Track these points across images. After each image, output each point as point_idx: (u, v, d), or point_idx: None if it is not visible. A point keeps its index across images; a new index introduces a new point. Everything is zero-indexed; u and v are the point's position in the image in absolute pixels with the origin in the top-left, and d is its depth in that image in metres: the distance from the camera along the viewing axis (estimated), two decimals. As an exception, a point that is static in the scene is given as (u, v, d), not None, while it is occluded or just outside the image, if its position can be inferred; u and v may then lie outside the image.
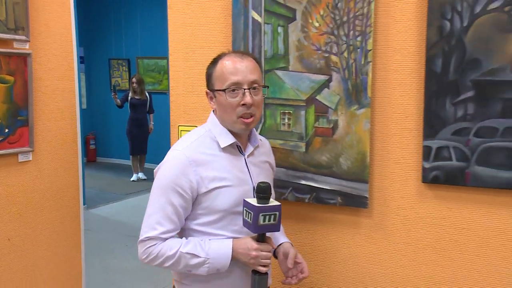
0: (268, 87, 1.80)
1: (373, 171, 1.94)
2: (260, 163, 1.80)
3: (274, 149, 1.99)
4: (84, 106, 8.45)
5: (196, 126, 2.10)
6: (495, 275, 1.81)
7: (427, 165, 1.84)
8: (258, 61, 1.71)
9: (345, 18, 1.88)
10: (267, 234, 1.64)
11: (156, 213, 1.62)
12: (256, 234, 1.62)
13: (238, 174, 1.68)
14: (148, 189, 7.56)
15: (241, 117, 1.63)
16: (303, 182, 2.01)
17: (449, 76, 1.79)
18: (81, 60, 8.33)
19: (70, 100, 2.96)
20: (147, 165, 8.15)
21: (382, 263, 1.96)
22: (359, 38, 1.87)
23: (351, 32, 1.88)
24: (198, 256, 1.60)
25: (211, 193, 1.63)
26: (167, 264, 1.61)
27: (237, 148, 1.71)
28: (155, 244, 1.60)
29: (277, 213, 1.60)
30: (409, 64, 1.86)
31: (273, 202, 1.61)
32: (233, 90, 1.62)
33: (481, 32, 1.74)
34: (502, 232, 1.78)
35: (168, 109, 2.30)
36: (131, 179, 8.14)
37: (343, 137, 1.93)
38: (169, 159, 1.66)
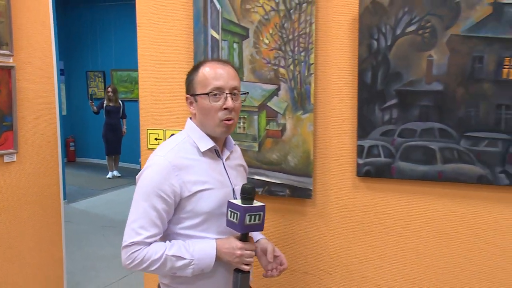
0: (247, 93, 1.83)
1: (316, 167, 2.10)
2: (236, 166, 1.79)
3: None
4: (64, 113, 8.92)
5: (163, 130, 2.26)
6: (415, 252, 2.02)
7: (360, 161, 2.03)
8: (236, 70, 1.70)
9: (290, 37, 2.05)
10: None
11: (140, 218, 1.55)
12: (239, 234, 1.60)
13: (218, 177, 1.65)
14: (121, 185, 7.90)
15: (223, 120, 1.60)
16: (256, 177, 2.14)
17: (377, 87, 1.97)
18: (61, 72, 8.87)
19: (50, 107, 3.11)
20: (121, 164, 8.65)
21: (325, 245, 2.13)
22: (303, 53, 2.04)
23: (296, 48, 2.05)
24: (183, 258, 1.55)
25: (194, 197, 1.59)
26: (152, 268, 1.55)
27: (215, 152, 1.68)
28: (139, 249, 1.53)
29: (262, 213, 1.58)
30: (345, 76, 2.03)
31: (257, 203, 1.59)
32: (215, 95, 1.58)
33: (401, 50, 1.93)
34: (421, 216, 1.99)
35: (139, 115, 2.37)
36: (107, 176, 8.60)
37: (290, 138, 2.08)
38: (151, 165, 1.59)
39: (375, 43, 1.95)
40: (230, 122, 1.61)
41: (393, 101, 1.96)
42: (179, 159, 1.58)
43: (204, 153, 1.63)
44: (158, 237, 1.57)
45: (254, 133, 2.13)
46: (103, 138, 8.29)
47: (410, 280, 2.03)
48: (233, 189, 1.68)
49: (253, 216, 1.54)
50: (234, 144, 1.79)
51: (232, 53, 2.14)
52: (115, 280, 4.18)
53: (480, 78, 1.83)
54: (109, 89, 8.03)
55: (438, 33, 1.87)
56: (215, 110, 1.58)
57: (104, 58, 9.29)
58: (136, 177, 1.63)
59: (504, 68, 1.79)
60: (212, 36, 2.16)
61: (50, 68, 3.09)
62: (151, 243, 1.54)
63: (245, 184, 1.58)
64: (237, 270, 1.59)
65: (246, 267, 1.58)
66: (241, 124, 2.15)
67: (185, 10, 2.22)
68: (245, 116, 2.14)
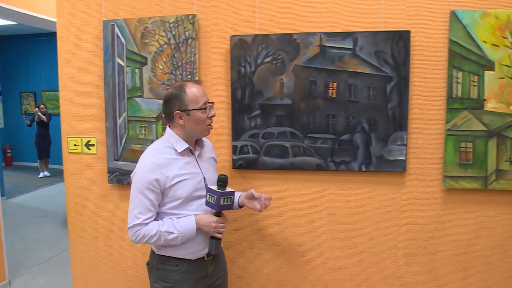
0: (213, 103, 2.02)
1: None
2: (207, 159, 2.06)
3: (135, 151, 2.48)
4: (2, 126, 10.36)
5: (80, 137, 2.59)
6: (275, 221, 2.50)
7: (235, 157, 2.45)
8: None
9: (179, 64, 2.43)
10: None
11: (137, 206, 1.86)
12: (215, 211, 1.92)
13: (192, 170, 1.93)
14: (51, 183, 8.60)
15: (208, 125, 1.93)
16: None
17: (245, 101, 2.40)
18: (0, 93, 10.18)
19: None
20: (50, 166, 9.48)
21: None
22: (189, 76, 2.42)
23: (184, 73, 2.43)
24: (172, 233, 1.87)
25: (174, 186, 1.87)
26: (151, 241, 1.87)
27: (189, 151, 1.95)
28: (140, 228, 1.85)
29: (232, 196, 1.90)
30: (222, 93, 2.45)
31: (229, 189, 1.90)
32: (205, 108, 1.89)
33: (262, 75, 2.38)
34: (280, 195, 2.48)
35: (63, 126, 2.68)
36: (39, 176, 9.34)
37: (183, 141, 2.50)
38: (141, 166, 1.87)
39: (243, 69, 2.39)
40: (211, 127, 1.97)
41: (257, 112, 2.41)
42: (161, 160, 1.87)
43: (181, 153, 1.91)
44: (153, 218, 1.89)
45: (153, 138, 2.48)
46: (35, 145, 9.12)
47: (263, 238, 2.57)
48: (204, 178, 1.97)
49: (226, 199, 1.88)
50: (205, 141, 2.07)
51: (135, 77, 2.47)
52: (49, 258, 4.57)
53: (315, 96, 2.36)
54: (42, 105, 8.93)
55: (286, 63, 2.36)
56: (205, 119, 1.91)
57: (35, 81, 10.44)
58: (131, 175, 1.95)
59: (329, 89, 2.34)
60: (118, 63, 2.48)
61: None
62: (148, 223, 1.87)
63: (221, 174, 1.90)
64: (212, 237, 1.95)
65: (219, 235, 1.94)
66: (143, 131, 2.49)
67: (96, 43, 2.54)
68: (146, 125, 2.49)
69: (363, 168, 2.38)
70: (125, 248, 2.71)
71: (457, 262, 2.44)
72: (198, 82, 1.95)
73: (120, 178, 2.58)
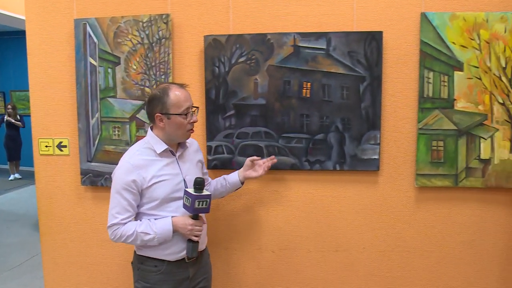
0: (198, 107, 2.05)
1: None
2: (189, 160, 2.05)
3: (109, 152, 2.47)
4: None
5: (52, 138, 2.56)
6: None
7: (210, 158, 2.46)
8: None
9: (153, 64, 2.42)
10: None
11: (115, 206, 1.89)
12: (192, 214, 1.93)
13: (171, 171, 1.94)
14: (22, 185, 8.43)
15: (188, 130, 1.94)
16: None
17: (219, 101, 2.41)
18: None
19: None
20: (21, 168, 9.33)
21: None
22: (163, 76, 2.42)
23: (158, 73, 2.42)
24: (149, 234, 1.88)
25: (151, 187, 1.89)
26: (129, 240, 1.89)
27: (170, 152, 1.96)
28: (118, 228, 1.88)
29: (208, 200, 1.89)
30: (196, 93, 2.44)
31: (205, 192, 1.90)
32: (186, 114, 1.90)
33: (236, 75, 2.39)
34: (254, 193, 2.50)
35: (35, 127, 2.66)
36: (9, 178, 9.18)
37: (157, 142, 2.50)
38: (120, 167, 1.90)
39: (217, 69, 2.40)
40: (192, 131, 1.98)
41: (232, 112, 2.42)
42: (139, 161, 1.89)
43: (161, 154, 1.93)
44: (131, 218, 1.91)
45: (126, 138, 2.47)
46: (5, 146, 9.01)
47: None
48: (184, 179, 1.98)
49: (201, 202, 1.87)
50: (188, 142, 2.07)
51: (107, 76, 2.46)
52: (20, 262, 4.50)
53: (289, 96, 2.38)
54: (9, 106, 8.77)
55: (260, 63, 2.38)
56: (185, 125, 1.92)
57: (4, 81, 10.17)
58: (112, 175, 1.96)
59: (303, 89, 2.37)
60: (90, 63, 2.46)
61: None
62: (125, 223, 1.89)
63: (197, 177, 1.89)
64: (190, 240, 1.95)
65: (196, 238, 1.94)
66: (116, 132, 2.47)
67: (67, 42, 2.51)
68: (119, 126, 2.47)
69: (338, 167, 2.42)
70: (100, 250, 2.68)
71: (430, 258, 2.50)
72: (183, 86, 1.96)
73: (94, 180, 2.56)
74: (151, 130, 1.97)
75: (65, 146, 2.61)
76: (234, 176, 2.26)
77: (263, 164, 2.21)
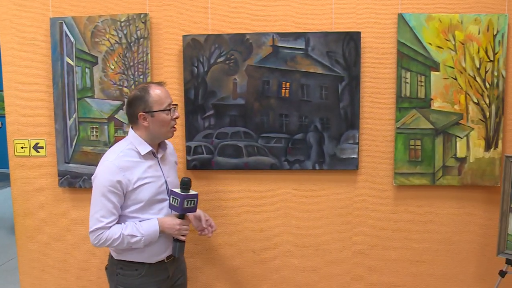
0: (177, 104, 2.07)
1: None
2: (168, 162, 2.07)
3: (87, 153, 2.45)
4: None
5: (28, 140, 2.54)
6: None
7: (189, 158, 2.47)
8: None
9: (131, 63, 2.42)
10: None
11: (100, 210, 1.84)
12: (178, 214, 1.94)
13: (154, 173, 1.95)
14: None
15: (172, 127, 1.95)
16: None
17: (199, 101, 2.42)
18: None
19: None
20: None
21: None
22: (141, 77, 2.42)
23: (136, 73, 2.42)
24: (135, 236, 1.86)
25: (136, 190, 1.88)
26: (114, 244, 1.86)
27: (152, 154, 1.96)
28: (102, 232, 1.84)
29: (195, 199, 1.92)
30: (175, 93, 2.44)
31: (192, 191, 1.92)
32: (169, 110, 1.92)
33: (215, 75, 2.40)
34: (234, 195, 2.51)
35: (8, 127, 2.62)
36: None
37: (136, 142, 2.49)
38: (103, 169, 1.87)
39: (196, 69, 2.41)
40: (175, 129, 1.99)
41: (211, 112, 2.44)
42: (124, 162, 1.87)
43: (144, 156, 1.92)
44: (116, 221, 1.88)
45: (105, 139, 2.46)
46: None
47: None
48: (166, 181, 1.99)
49: (189, 201, 1.91)
50: (167, 144, 2.09)
51: (85, 76, 2.44)
52: None
53: (268, 96, 2.41)
54: None
55: (239, 63, 2.40)
56: (169, 121, 1.93)
57: None
58: (92, 178, 1.93)
59: (283, 89, 2.40)
60: (67, 62, 2.44)
61: None
62: (110, 227, 1.86)
63: (184, 177, 1.92)
64: (176, 240, 1.96)
65: (183, 238, 1.96)
66: (94, 132, 2.46)
67: (43, 41, 2.49)
68: (97, 127, 2.46)
69: (317, 167, 2.45)
70: (78, 253, 2.66)
71: (409, 255, 2.56)
72: (162, 84, 1.97)
73: (72, 181, 2.54)
74: (133, 130, 1.97)
75: (41, 147, 2.58)
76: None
77: (207, 227, 2.11)
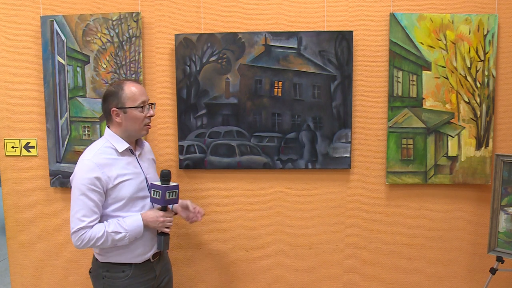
0: (155, 103, 2.08)
1: (150, 163, 2.61)
2: (147, 159, 2.10)
3: (79, 152, 2.49)
4: None
5: (19, 139, 2.55)
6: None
7: (181, 157, 2.51)
8: None
9: (123, 62, 2.46)
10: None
11: (81, 209, 1.84)
12: (161, 206, 1.96)
13: (134, 170, 1.97)
14: None
15: (146, 125, 1.97)
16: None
17: (191, 100, 2.46)
18: None
19: None
20: None
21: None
22: (133, 75, 2.45)
23: (128, 72, 2.46)
24: (120, 232, 1.88)
25: (117, 187, 1.89)
26: (98, 243, 1.86)
27: (130, 151, 1.99)
28: (85, 232, 1.83)
29: (177, 190, 1.95)
30: (167, 92, 2.50)
31: (172, 183, 1.95)
32: (142, 107, 1.93)
33: (207, 74, 2.45)
34: (227, 194, 2.57)
35: (-1, 128, 2.64)
36: None
37: (128, 142, 2.53)
38: (81, 167, 1.87)
39: (188, 68, 2.46)
40: (149, 126, 2.01)
41: (203, 111, 2.48)
42: (102, 160, 1.89)
43: (122, 153, 1.95)
44: (98, 220, 1.89)
45: (97, 138, 2.39)
46: None
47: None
48: (146, 177, 2.02)
49: (171, 193, 1.93)
50: (144, 142, 2.12)
51: (76, 75, 2.48)
52: None
53: (261, 95, 2.46)
54: None
55: (231, 63, 2.44)
56: (142, 118, 1.95)
57: None
58: (70, 178, 1.93)
59: (275, 88, 2.45)
60: (58, 61, 2.48)
61: None
62: (93, 226, 1.86)
63: (163, 169, 1.94)
64: (160, 233, 1.99)
65: (167, 230, 1.99)
66: (86, 132, 2.50)
67: (34, 40, 2.52)
68: (89, 126, 2.50)
69: (310, 166, 2.51)
70: (70, 253, 2.70)
71: (401, 254, 2.62)
72: (138, 81, 1.99)
73: (63, 181, 2.58)
74: (109, 128, 1.99)
75: (33, 147, 2.61)
76: None
77: (196, 214, 2.15)
